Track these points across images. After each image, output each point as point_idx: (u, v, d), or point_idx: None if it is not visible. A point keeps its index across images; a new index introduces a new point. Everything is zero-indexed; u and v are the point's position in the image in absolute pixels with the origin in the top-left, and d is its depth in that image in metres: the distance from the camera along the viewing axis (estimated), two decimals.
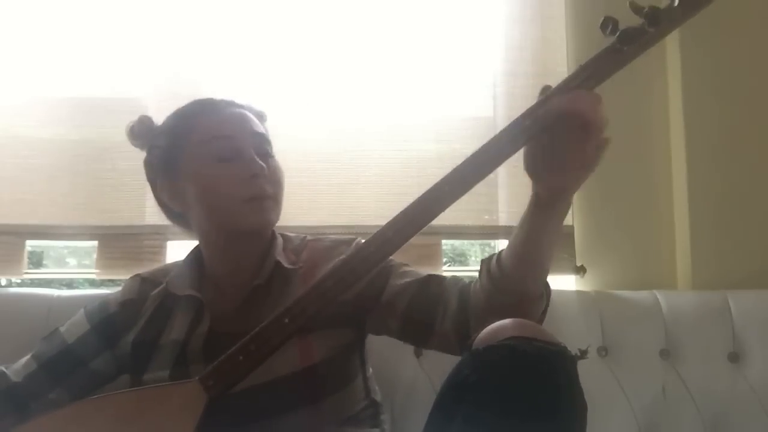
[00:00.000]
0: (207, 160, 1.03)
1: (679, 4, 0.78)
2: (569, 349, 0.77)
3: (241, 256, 1.06)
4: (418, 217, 0.86)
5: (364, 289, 1.01)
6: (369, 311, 1.04)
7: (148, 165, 1.11)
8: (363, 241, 1.09)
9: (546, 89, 0.84)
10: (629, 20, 0.80)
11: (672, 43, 1.66)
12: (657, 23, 0.78)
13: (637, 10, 0.79)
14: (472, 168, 0.85)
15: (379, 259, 0.89)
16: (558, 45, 1.72)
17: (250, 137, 1.05)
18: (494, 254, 0.93)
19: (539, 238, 0.86)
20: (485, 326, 0.87)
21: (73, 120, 1.64)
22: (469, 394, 0.74)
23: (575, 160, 0.81)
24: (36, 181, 1.61)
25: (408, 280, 1.02)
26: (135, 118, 1.11)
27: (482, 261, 0.94)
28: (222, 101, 1.10)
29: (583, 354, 0.80)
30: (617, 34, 0.79)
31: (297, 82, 1.68)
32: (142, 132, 1.10)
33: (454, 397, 0.76)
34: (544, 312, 0.93)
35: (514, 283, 0.88)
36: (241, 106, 1.11)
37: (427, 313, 0.97)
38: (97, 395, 1.02)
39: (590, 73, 0.81)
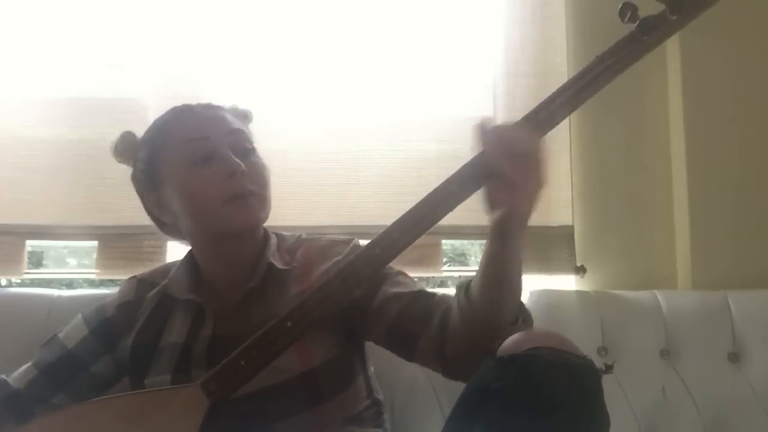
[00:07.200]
0: (184, 165, 1.01)
1: None
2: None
3: (234, 259, 1.05)
4: (426, 218, 0.84)
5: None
6: (360, 314, 1.02)
7: (134, 179, 1.10)
8: (360, 241, 1.08)
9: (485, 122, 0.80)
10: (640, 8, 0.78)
11: (672, 41, 1.63)
12: (679, 10, 0.76)
13: None
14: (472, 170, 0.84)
15: (383, 261, 0.87)
16: (558, 45, 1.71)
17: (226, 136, 1.03)
18: (467, 281, 0.91)
19: (499, 266, 0.84)
20: (459, 352, 0.88)
21: (73, 120, 1.63)
22: (492, 400, 0.72)
23: (515, 193, 0.80)
24: (36, 181, 1.61)
25: (400, 290, 1.00)
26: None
27: (457, 287, 0.92)
28: (197, 105, 1.08)
29: (609, 369, 0.78)
30: (636, 22, 0.76)
31: (297, 82, 1.67)
32: (125, 149, 1.09)
33: (476, 401, 0.75)
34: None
35: (482, 312, 0.86)
36: (218, 108, 1.08)
37: (412, 329, 0.96)
38: (99, 398, 1.02)
39: (609, 64, 0.78)
